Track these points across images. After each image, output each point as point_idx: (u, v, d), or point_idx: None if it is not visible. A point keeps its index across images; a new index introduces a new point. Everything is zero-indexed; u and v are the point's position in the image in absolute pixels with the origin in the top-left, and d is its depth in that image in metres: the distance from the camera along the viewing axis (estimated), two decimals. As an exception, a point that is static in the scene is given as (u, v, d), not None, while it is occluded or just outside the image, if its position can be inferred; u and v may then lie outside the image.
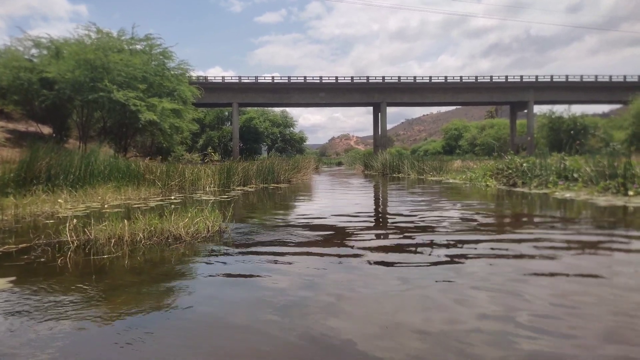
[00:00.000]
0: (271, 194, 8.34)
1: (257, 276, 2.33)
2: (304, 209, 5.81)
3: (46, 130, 24.35)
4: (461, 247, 3.03)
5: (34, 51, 20.22)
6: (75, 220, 3.32)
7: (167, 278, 2.34)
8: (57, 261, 2.68)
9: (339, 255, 2.83)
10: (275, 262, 2.67)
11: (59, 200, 5.89)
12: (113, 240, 3.10)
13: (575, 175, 7.43)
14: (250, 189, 9.37)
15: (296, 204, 6.83)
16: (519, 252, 2.85)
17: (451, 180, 11.35)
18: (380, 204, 6.73)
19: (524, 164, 8.61)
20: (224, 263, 2.65)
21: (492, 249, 2.98)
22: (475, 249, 2.98)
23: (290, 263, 2.64)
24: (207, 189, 9.48)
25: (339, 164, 52.54)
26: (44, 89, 18.28)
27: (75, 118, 22.20)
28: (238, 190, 9.23)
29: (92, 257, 2.75)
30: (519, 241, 3.21)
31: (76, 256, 2.87)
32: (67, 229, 3.20)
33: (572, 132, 39.59)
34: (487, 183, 9.03)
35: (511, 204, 6.12)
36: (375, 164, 19.08)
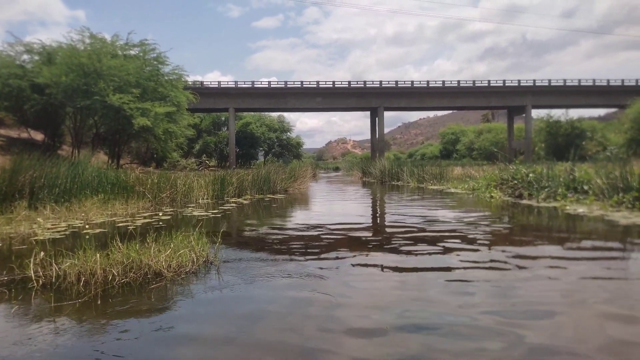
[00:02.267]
0: (267, 208, 7.96)
1: (243, 331, 1.96)
2: (302, 229, 5.44)
3: (40, 136, 23.90)
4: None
5: (25, 57, 19.83)
6: (42, 254, 2.94)
7: (134, 341, 1.96)
8: (11, 309, 2.29)
9: (338, 307, 2.45)
10: (267, 309, 2.29)
11: (38, 219, 5.49)
12: (83, 279, 2.72)
13: (586, 187, 7.09)
14: (245, 201, 8.99)
15: (293, 220, 6.46)
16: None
17: (453, 190, 11.00)
18: (385, 220, 6.37)
19: (530, 175, 8.27)
20: (207, 312, 2.27)
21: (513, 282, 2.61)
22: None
23: (283, 313, 2.26)
24: (200, 201, 9.10)
25: (336, 169, 52.19)
26: (35, 94, 17.87)
27: (68, 124, 21.79)
28: (232, 202, 8.84)
29: (53, 305, 2.36)
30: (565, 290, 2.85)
31: (40, 297, 2.50)
32: (31, 264, 2.83)
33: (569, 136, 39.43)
34: (492, 194, 8.68)
35: (522, 220, 5.77)
36: (374, 171, 18.73)
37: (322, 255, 3.61)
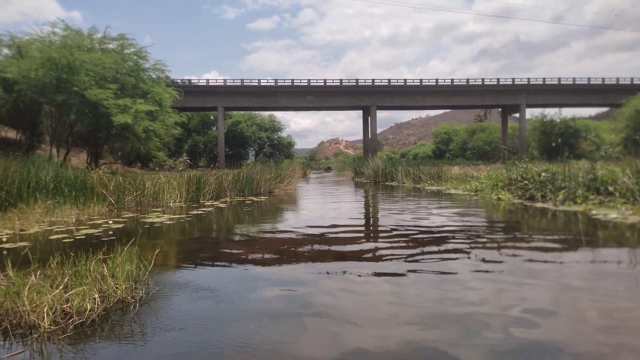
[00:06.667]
0: (244, 213, 6.93)
1: None
2: (280, 242, 4.43)
3: (19, 135, 22.60)
4: None
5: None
6: None
7: None
8: None
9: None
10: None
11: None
12: None
13: (611, 188, 6.16)
14: (222, 205, 7.96)
15: (273, 229, 5.42)
16: None
17: (453, 191, 10.04)
18: (383, 229, 5.38)
19: (543, 174, 7.33)
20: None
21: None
22: None
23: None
24: (172, 204, 8.05)
25: (328, 169, 51.13)
26: (5, 91, 16.64)
27: (46, 122, 20.55)
28: (208, 205, 7.82)
29: None
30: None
31: None
32: None
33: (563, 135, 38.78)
34: (500, 196, 7.72)
35: (552, 231, 4.81)
36: (366, 171, 17.76)
37: (303, 287, 2.61)
